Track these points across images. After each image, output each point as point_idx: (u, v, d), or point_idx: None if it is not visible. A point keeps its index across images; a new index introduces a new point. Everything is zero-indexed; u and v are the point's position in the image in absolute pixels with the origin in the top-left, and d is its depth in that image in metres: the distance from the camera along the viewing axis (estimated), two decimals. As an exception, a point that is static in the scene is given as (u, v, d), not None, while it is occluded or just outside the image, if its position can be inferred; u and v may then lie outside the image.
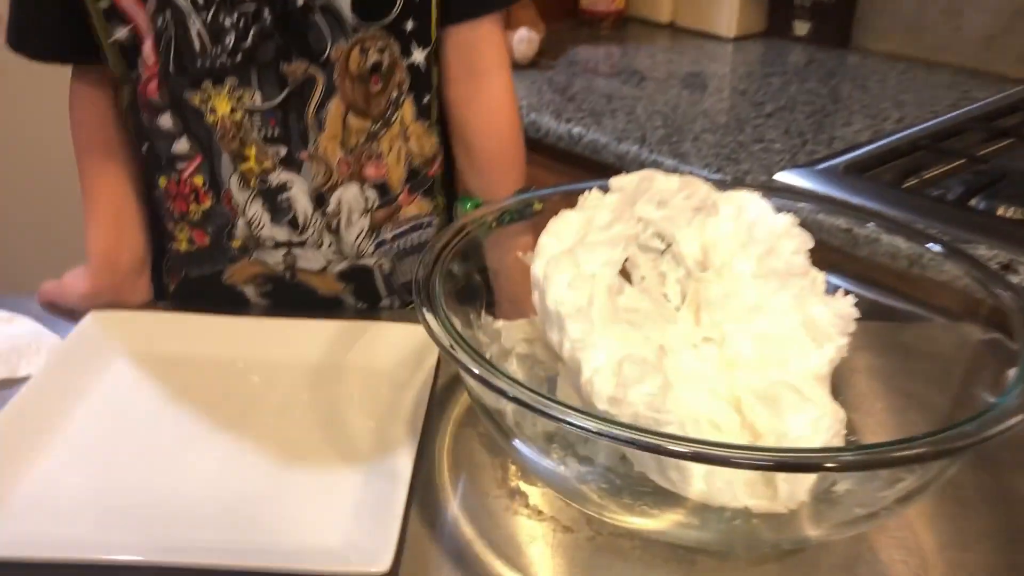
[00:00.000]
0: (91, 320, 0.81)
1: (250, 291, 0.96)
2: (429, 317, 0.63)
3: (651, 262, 0.80)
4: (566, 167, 1.52)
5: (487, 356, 0.72)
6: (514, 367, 0.72)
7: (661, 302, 0.80)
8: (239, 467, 0.67)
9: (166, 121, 0.87)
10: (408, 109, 0.92)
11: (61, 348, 0.78)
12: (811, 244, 0.74)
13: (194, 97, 0.85)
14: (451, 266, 0.72)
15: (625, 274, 0.78)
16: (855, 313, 0.73)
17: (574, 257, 0.68)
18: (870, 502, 0.64)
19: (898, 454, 0.55)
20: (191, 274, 0.95)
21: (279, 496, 0.65)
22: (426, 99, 0.94)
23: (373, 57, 0.88)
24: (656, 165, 1.36)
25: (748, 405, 0.70)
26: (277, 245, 0.94)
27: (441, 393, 0.77)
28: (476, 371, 0.58)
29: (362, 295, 0.98)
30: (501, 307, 0.92)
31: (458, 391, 0.77)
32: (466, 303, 0.73)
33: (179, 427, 0.72)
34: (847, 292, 0.74)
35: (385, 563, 0.57)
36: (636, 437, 0.53)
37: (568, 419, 0.54)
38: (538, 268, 0.68)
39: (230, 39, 0.84)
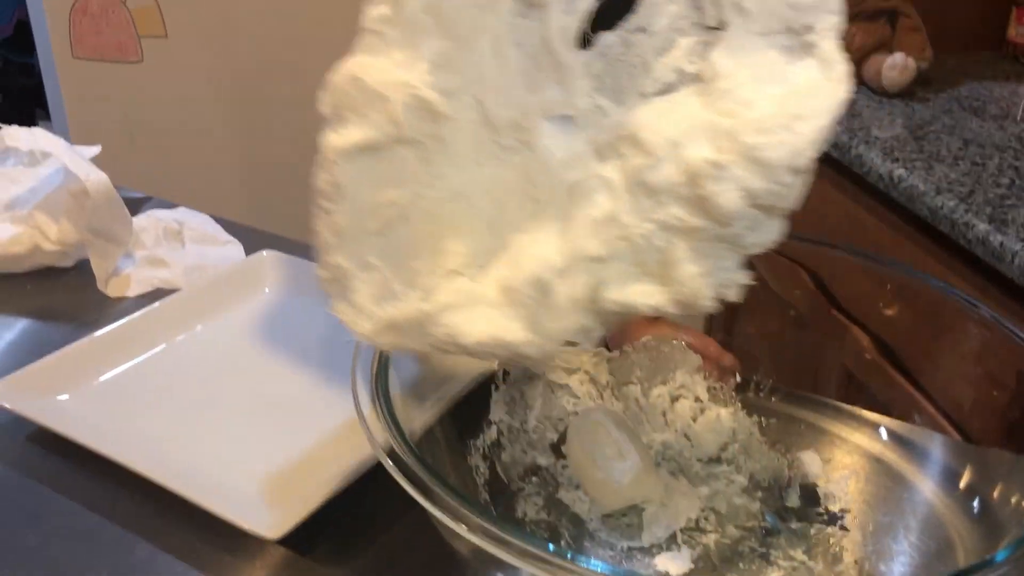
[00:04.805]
0: (256, 257, 0.91)
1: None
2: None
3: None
4: (885, 211, 1.35)
5: (504, 374, 0.68)
6: (534, 392, 0.68)
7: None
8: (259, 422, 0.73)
9: None
10: None
11: (220, 273, 0.89)
12: None
13: None
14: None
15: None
16: None
17: None
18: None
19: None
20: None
21: (255, 444, 0.70)
22: None
23: None
24: (965, 227, 1.15)
25: None
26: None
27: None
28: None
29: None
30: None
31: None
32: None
33: (251, 368, 0.79)
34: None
35: (274, 532, 0.58)
36: None
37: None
38: None
39: None
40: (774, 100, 0.49)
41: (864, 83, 1.61)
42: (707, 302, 0.50)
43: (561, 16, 0.52)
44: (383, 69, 0.49)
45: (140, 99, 1.72)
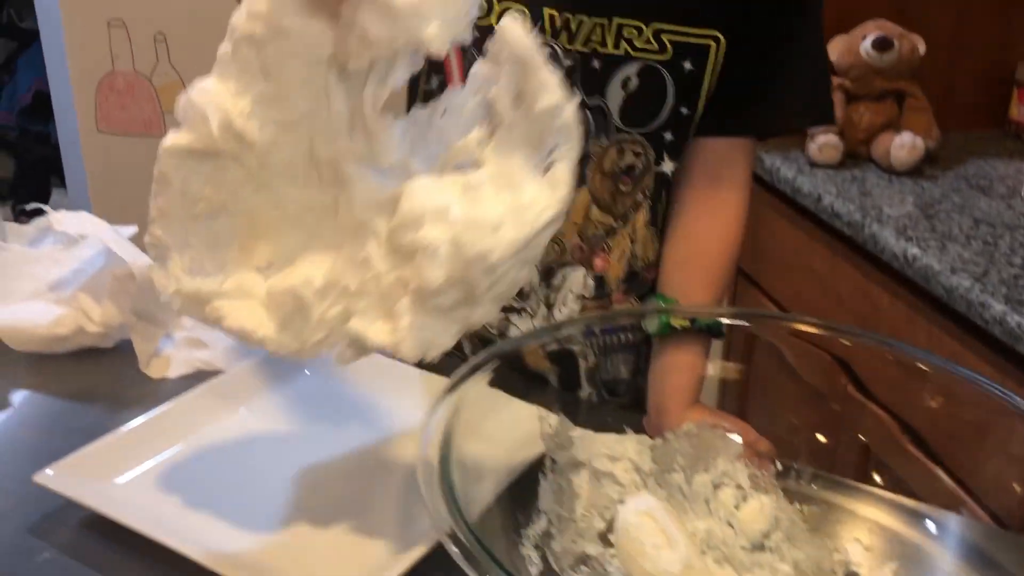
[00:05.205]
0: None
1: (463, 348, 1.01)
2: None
3: None
4: (900, 290, 1.37)
5: (551, 462, 0.70)
6: (581, 480, 0.69)
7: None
8: (309, 502, 0.74)
9: None
10: (643, 214, 0.94)
11: (260, 355, 0.90)
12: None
13: None
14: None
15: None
16: None
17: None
18: None
19: None
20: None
21: (305, 535, 0.71)
22: (660, 208, 0.95)
23: (629, 159, 0.92)
24: (981, 307, 1.18)
25: None
26: (496, 307, 0.99)
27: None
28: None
29: (564, 380, 0.98)
30: (648, 413, 0.89)
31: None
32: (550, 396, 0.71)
33: (299, 451, 0.80)
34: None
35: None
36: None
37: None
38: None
39: None
40: (502, 205, 0.58)
41: (873, 161, 1.65)
42: (408, 352, 0.59)
43: (374, 86, 0.62)
44: (216, 93, 0.59)
45: (163, 172, 1.75)
